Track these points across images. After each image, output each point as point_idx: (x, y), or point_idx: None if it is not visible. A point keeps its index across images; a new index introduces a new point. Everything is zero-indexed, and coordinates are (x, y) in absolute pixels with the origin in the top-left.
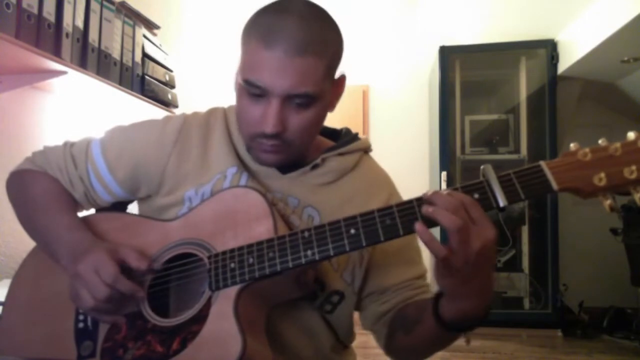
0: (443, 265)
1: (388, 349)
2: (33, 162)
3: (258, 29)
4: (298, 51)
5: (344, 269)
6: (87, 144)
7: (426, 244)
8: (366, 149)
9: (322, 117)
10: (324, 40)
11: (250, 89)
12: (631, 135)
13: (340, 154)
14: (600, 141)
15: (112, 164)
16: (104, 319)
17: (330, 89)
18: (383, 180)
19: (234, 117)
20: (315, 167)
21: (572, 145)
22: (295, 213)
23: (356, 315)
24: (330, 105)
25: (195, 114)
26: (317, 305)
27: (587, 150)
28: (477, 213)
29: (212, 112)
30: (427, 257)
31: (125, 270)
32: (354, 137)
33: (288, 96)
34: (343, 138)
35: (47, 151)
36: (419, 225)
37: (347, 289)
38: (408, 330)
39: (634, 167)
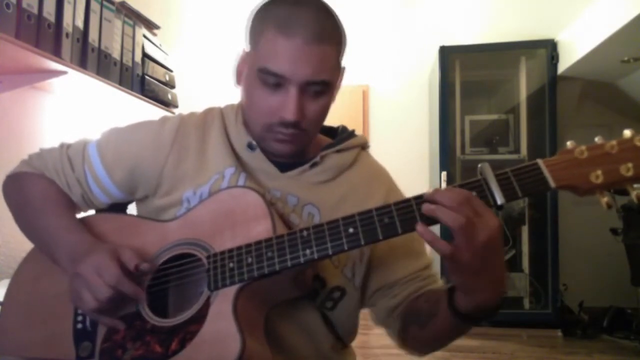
0: (451, 261)
1: (402, 342)
2: (30, 165)
3: (274, 18)
4: (316, 40)
5: (345, 265)
6: (83, 146)
7: (430, 243)
8: (363, 145)
9: (330, 106)
10: (337, 29)
11: (267, 77)
12: (627, 133)
13: (339, 151)
14: (596, 139)
15: (110, 166)
16: (104, 322)
17: (338, 77)
18: (381, 175)
19: (232, 116)
20: (314, 165)
21: (568, 143)
22: (295, 211)
23: (362, 313)
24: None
25: (191, 114)
26: (318, 303)
27: (583, 148)
28: (479, 205)
29: (209, 112)
30: (430, 248)
31: (126, 271)
32: (351, 134)
33: (307, 84)
34: (340, 135)
35: (43, 153)
36: (419, 226)
37: (347, 284)
38: (423, 324)
39: (630, 165)
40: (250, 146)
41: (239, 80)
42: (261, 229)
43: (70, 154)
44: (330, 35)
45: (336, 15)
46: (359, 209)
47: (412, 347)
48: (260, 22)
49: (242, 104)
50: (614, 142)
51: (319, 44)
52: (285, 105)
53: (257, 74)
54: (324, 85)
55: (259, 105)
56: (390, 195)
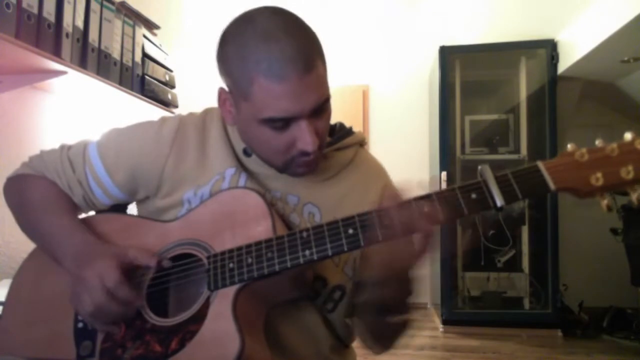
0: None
1: (360, 340)
2: (30, 167)
3: (257, 67)
4: (307, 68)
5: (345, 264)
6: (84, 147)
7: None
8: (361, 142)
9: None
10: (313, 39)
11: (275, 123)
12: (628, 135)
13: (338, 149)
14: (597, 142)
15: (110, 167)
16: (101, 327)
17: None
18: (378, 171)
19: None
20: None
21: (569, 145)
22: (295, 211)
23: None
24: None
25: (190, 115)
26: (319, 304)
27: (584, 150)
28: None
29: (208, 112)
30: None
31: (132, 273)
32: (349, 131)
33: (313, 109)
34: (337, 133)
35: (44, 155)
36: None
37: (348, 283)
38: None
39: (630, 167)
40: (245, 152)
41: (228, 119)
42: (261, 229)
43: (70, 156)
44: (314, 53)
45: (303, 22)
46: (358, 206)
47: (364, 343)
48: (242, 71)
49: (247, 141)
50: (614, 145)
51: (311, 70)
52: (301, 138)
53: (261, 123)
54: (327, 101)
55: (273, 146)
56: (386, 191)
